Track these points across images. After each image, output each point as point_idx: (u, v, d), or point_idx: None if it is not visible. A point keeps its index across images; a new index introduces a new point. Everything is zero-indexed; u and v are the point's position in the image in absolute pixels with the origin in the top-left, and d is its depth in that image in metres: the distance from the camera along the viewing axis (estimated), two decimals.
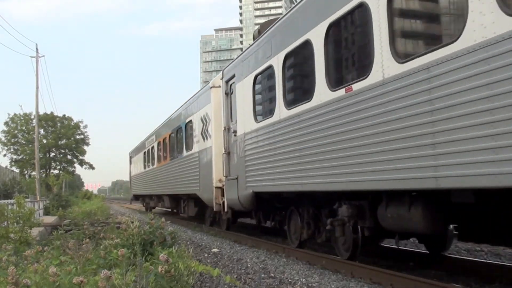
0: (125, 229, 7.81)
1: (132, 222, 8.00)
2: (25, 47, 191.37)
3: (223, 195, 12.98)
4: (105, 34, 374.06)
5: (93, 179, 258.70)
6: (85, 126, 69.84)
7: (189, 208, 18.35)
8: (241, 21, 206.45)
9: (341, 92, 7.15)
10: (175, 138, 19.90)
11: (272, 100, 9.74)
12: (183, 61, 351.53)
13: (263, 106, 10.71)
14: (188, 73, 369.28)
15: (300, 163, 8.47)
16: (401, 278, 6.54)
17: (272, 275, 7.69)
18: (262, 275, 7.66)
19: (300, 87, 9.26)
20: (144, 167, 28.48)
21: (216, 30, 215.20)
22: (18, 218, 10.11)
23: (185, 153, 17.80)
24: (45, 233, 13.74)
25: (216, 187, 13.49)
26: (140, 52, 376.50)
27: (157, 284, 5.00)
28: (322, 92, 7.70)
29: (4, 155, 65.51)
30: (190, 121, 17.02)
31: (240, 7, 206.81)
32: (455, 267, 7.73)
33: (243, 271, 8.23)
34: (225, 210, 12.85)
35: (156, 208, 28.56)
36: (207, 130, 14.73)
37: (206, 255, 10.41)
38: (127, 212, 31.01)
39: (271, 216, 11.73)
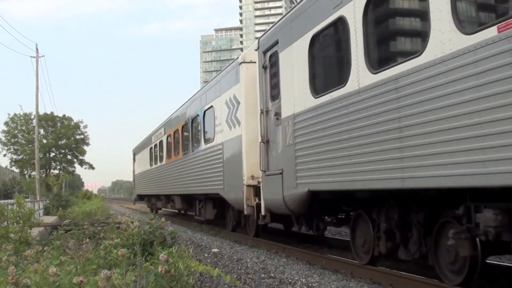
0: (125, 229, 7.81)
1: (132, 222, 8.01)
2: (25, 47, 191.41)
3: (257, 195, 10.76)
4: (105, 34, 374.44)
5: (93, 179, 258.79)
6: (85, 126, 69.87)
7: (207, 210, 15.72)
8: (241, 21, 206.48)
9: (489, 33, 4.67)
10: (190, 129, 17.01)
11: (344, 64, 7.23)
12: (183, 61, 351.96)
13: (327, 75, 8.22)
14: (188, 73, 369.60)
15: (400, 148, 5.87)
16: (401, 278, 6.54)
17: (272, 275, 7.69)
18: (262, 275, 7.66)
19: (396, 39, 6.80)
20: (151, 164, 25.75)
21: (216, 30, 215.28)
22: (18, 218, 10.11)
23: (203, 145, 14.97)
24: (45, 233, 13.73)
25: (248, 185, 11.13)
26: (140, 52, 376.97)
27: (157, 284, 5.00)
28: (446, 39, 5.18)
29: (4, 155, 65.49)
30: (211, 107, 14.28)
31: (240, 7, 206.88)
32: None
33: (243, 271, 8.23)
34: (262, 213, 10.26)
35: (163, 209, 26.12)
36: (234, 116, 12.11)
37: (206, 255, 10.41)
38: (127, 212, 31.02)
39: (314, 222, 9.50)
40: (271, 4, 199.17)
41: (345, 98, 6.97)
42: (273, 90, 9.72)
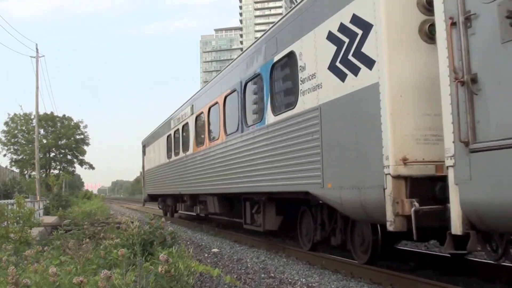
0: (125, 229, 7.82)
1: (132, 222, 8.02)
2: (25, 47, 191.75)
3: (411, 195, 5.92)
4: (105, 34, 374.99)
5: (93, 179, 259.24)
6: (85, 126, 70.14)
7: (267, 217, 10.62)
8: (241, 21, 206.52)
9: None
10: (241, 97, 11.41)
11: None
12: (183, 61, 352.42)
13: None
14: (188, 73, 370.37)
15: None
16: (401, 278, 6.54)
17: (272, 275, 7.69)
18: (262, 275, 7.66)
19: None
20: (169, 156, 19.99)
21: (216, 30, 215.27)
22: (18, 218, 10.12)
23: (271, 117, 9.62)
24: (45, 233, 13.73)
25: (397, 177, 6.00)
26: (140, 52, 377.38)
27: (157, 284, 5.00)
28: None
29: (4, 155, 65.77)
30: (289, 54, 8.96)
31: (240, 7, 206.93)
32: (455, 267, 7.72)
33: (243, 271, 8.23)
34: (455, 231, 5.10)
35: (180, 212, 21.78)
36: (355, 55, 6.82)
37: (206, 255, 10.41)
38: (127, 212, 31.02)
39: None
40: (271, 4, 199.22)
41: None
42: None
